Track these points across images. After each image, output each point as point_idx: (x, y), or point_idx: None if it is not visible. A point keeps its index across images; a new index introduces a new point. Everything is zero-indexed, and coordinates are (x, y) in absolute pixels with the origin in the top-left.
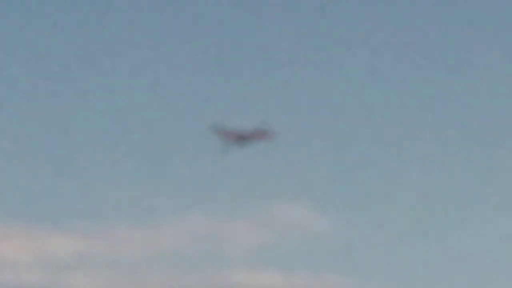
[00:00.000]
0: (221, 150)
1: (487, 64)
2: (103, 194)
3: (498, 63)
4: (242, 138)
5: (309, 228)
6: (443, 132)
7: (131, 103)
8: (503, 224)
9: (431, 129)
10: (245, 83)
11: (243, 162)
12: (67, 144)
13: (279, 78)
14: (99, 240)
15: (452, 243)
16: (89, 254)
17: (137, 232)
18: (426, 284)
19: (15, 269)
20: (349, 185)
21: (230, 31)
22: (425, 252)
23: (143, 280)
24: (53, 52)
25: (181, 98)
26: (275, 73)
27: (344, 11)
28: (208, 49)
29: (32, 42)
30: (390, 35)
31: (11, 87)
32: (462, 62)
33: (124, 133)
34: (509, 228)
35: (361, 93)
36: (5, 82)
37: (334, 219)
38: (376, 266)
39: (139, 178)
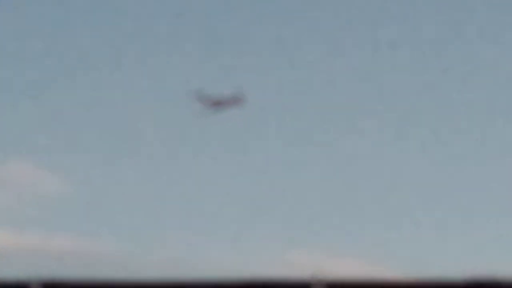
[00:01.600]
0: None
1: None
2: None
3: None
4: (217, 104)
5: (41, 187)
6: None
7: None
8: None
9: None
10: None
11: None
12: None
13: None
14: None
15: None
16: None
17: None
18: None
19: None
20: (81, 145)
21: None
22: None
23: None
24: None
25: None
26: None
27: None
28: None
29: None
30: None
31: None
32: None
33: None
34: None
35: None
36: None
37: (65, 179)
38: (107, 228)
39: None
